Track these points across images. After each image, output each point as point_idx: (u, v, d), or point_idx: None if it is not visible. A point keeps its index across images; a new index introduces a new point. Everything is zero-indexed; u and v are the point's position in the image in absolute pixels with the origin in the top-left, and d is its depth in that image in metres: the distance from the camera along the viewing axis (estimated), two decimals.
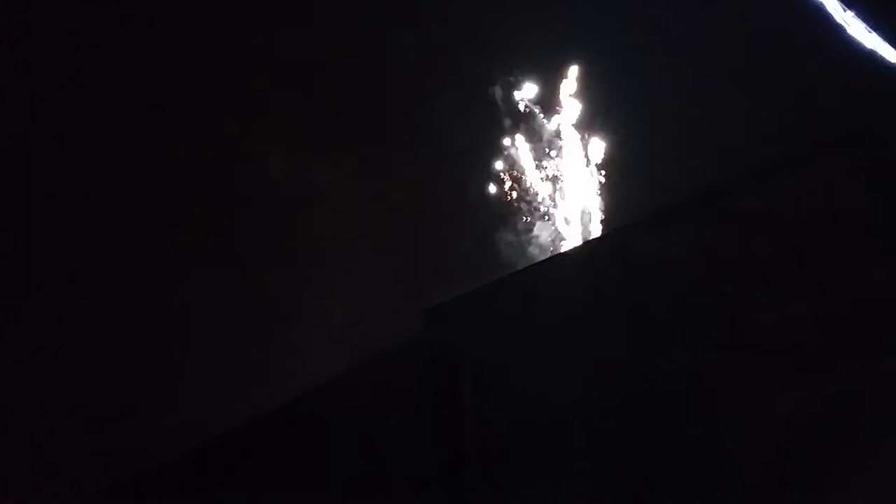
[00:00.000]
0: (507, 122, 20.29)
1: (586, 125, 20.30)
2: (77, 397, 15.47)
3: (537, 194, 20.12)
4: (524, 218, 20.06)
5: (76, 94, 17.44)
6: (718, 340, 7.80)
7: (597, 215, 20.08)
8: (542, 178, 20.27)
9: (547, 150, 20.43)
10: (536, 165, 20.37)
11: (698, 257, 8.19)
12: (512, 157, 20.36)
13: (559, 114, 20.42)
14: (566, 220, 20.13)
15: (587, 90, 20.13)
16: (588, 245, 13.23)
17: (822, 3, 17.80)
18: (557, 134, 20.50)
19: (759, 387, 7.49)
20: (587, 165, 20.18)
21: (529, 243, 19.81)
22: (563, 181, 20.35)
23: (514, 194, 20.17)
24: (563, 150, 20.39)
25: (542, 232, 19.97)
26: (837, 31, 17.61)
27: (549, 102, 20.47)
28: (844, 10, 17.90)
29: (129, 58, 17.76)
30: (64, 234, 16.65)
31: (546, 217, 20.08)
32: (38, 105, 17.10)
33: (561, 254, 17.57)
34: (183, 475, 8.85)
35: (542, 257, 19.07)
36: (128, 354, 16.28)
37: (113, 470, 13.50)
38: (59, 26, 17.53)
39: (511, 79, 20.14)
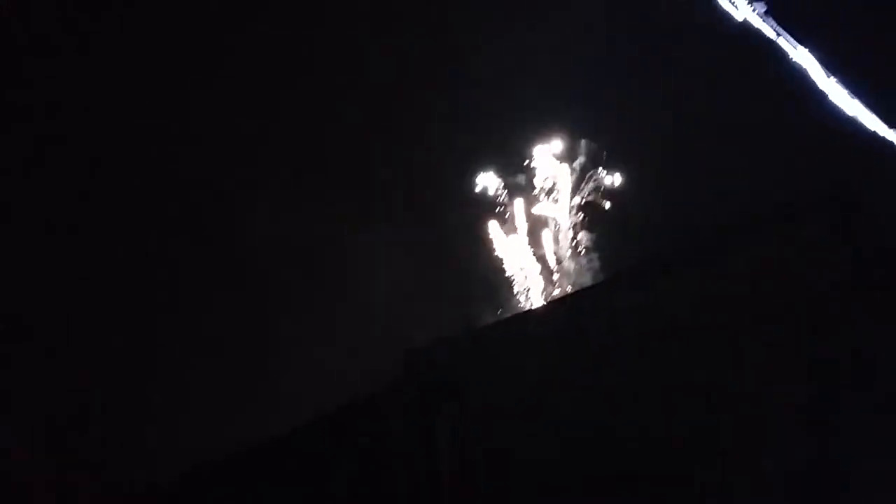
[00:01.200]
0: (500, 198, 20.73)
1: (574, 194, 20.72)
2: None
3: (526, 266, 20.36)
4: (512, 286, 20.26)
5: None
6: (707, 393, 7.86)
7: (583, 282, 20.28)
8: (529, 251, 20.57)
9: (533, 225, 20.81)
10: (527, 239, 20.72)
11: (683, 310, 8.31)
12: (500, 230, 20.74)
13: (544, 192, 20.87)
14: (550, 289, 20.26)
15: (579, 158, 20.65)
16: (574, 295, 13.41)
17: (805, 70, 18.22)
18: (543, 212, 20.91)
19: (749, 443, 7.53)
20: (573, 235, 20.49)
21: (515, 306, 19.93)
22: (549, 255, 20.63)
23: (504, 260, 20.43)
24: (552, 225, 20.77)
25: (527, 300, 20.07)
26: (820, 97, 18.02)
27: (531, 183, 20.95)
28: (828, 77, 18.27)
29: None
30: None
31: (531, 290, 20.25)
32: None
33: (546, 303, 17.75)
34: (181, 498, 8.97)
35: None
36: (134, 378, 16.44)
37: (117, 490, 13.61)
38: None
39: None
